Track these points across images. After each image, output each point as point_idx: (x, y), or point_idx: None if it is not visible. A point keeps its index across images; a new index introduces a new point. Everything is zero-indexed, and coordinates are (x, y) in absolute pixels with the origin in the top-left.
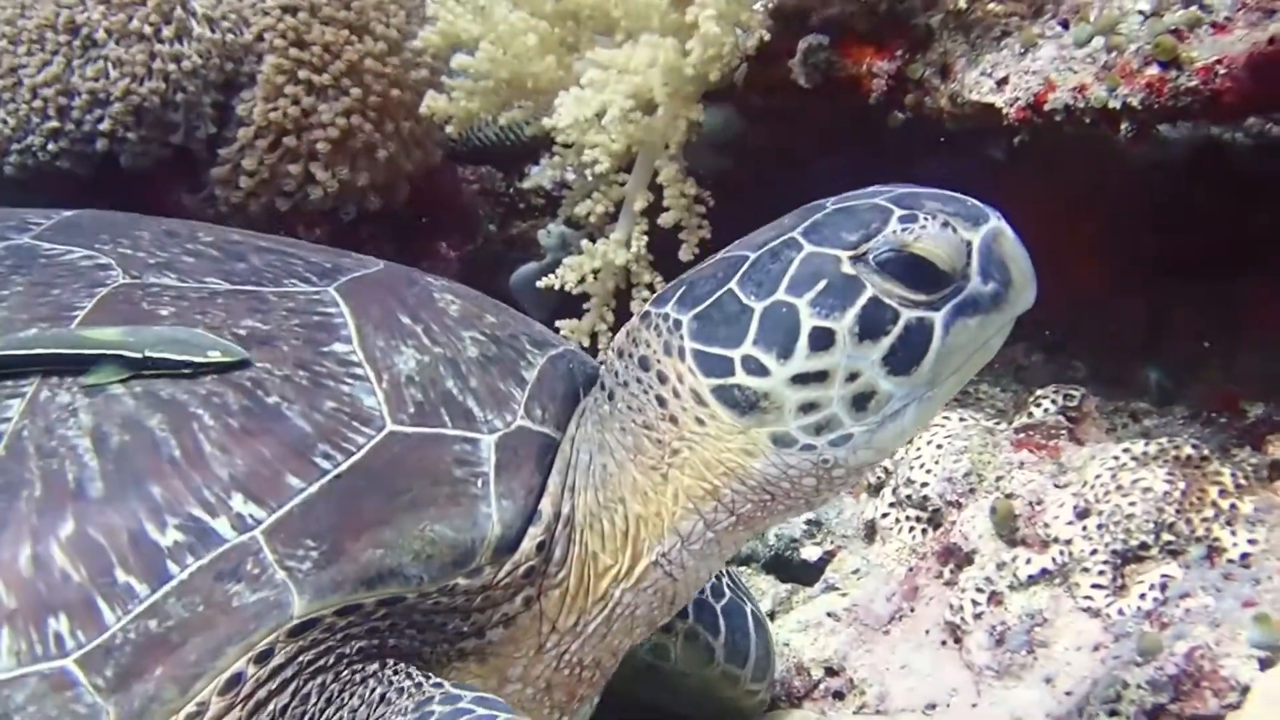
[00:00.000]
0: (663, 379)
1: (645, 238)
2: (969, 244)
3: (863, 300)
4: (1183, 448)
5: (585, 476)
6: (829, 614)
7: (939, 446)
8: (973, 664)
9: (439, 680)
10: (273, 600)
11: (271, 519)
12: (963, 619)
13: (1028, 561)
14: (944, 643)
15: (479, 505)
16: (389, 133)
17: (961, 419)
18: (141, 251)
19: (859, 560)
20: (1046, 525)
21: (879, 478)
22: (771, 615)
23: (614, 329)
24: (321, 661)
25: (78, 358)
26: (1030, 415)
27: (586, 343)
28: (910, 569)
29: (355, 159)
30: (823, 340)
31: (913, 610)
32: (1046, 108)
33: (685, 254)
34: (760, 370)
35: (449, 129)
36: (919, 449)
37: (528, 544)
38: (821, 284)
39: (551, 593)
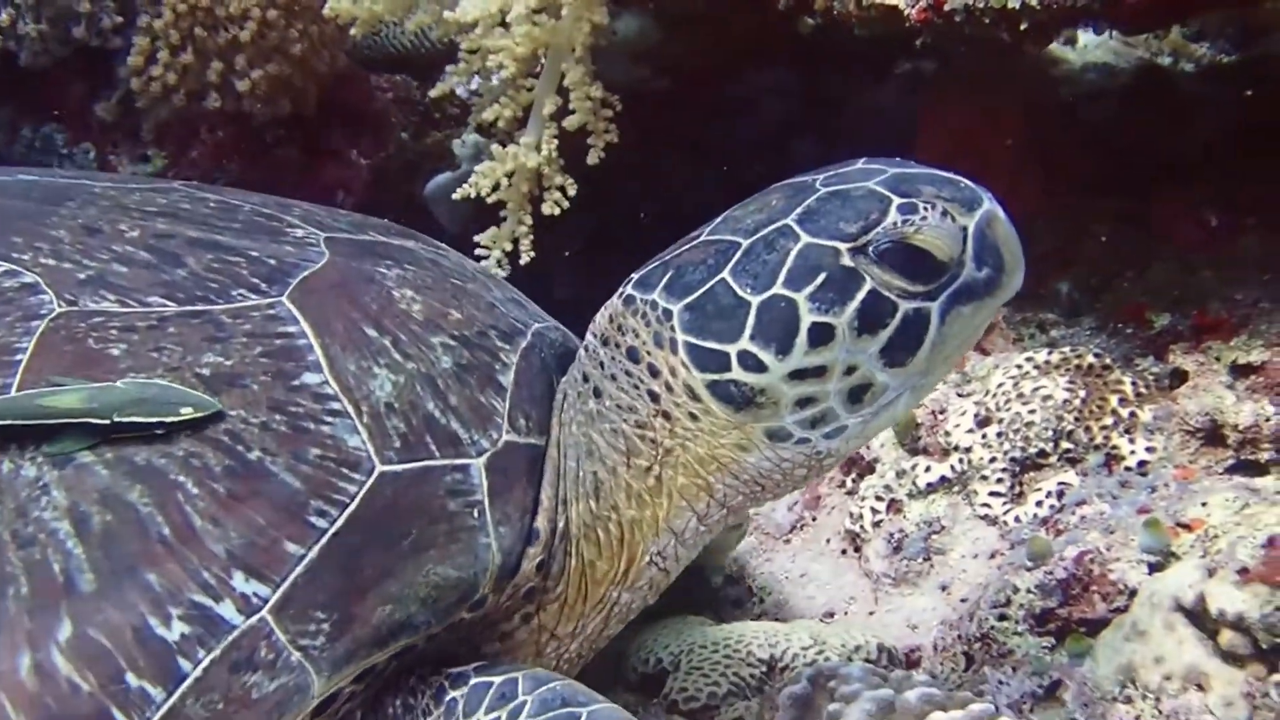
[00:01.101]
0: (654, 373)
1: (556, 141)
2: (964, 229)
3: (862, 294)
4: (1085, 357)
5: (576, 487)
6: None
7: None
8: (871, 572)
9: (436, 669)
10: (292, 685)
11: (277, 595)
12: (862, 527)
13: (927, 470)
14: (844, 551)
15: (478, 537)
16: (301, 31)
17: None
18: (66, 261)
19: None
20: (947, 434)
21: None
22: None
23: (533, 230)
24: None
25: (41, 428)
26: None
27: (509, 248)
28: None
29: (269, 56)
30: (822, 335)
31: (814, 519)
32: (946, 8)
33: (592, 158)
34: (758, 366)
35: (353, 31)
36: None
37: (527, 565)
38: (820, 277)
39: (550, 606)
